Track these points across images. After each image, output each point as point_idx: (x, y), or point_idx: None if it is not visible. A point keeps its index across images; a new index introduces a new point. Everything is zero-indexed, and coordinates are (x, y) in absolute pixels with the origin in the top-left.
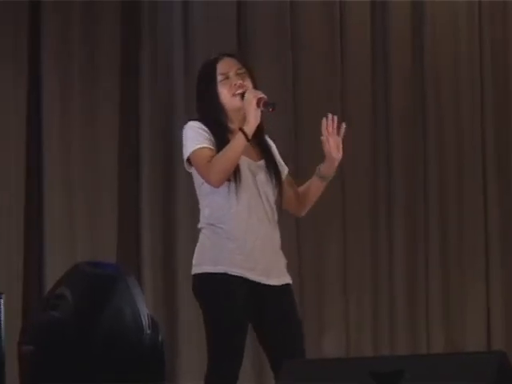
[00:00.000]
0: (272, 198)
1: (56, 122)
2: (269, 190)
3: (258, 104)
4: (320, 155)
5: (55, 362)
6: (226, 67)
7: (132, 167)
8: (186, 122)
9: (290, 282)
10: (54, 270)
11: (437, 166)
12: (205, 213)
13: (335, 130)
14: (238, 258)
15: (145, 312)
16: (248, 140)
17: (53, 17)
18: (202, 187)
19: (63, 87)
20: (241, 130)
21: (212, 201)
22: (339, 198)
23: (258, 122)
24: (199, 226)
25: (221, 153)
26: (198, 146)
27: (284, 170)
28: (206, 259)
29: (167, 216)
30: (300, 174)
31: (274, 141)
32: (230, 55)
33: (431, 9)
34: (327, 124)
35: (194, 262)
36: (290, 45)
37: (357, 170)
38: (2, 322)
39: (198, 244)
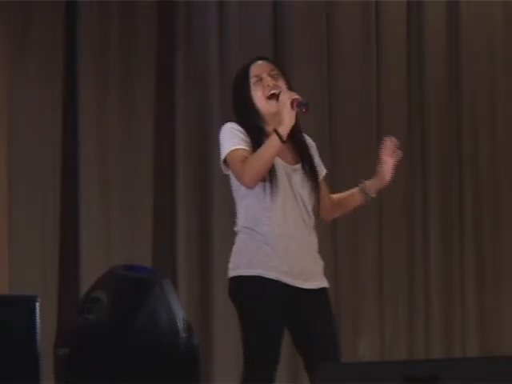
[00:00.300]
0: (308, 202)
1: (92, 124)
2: (305, 194)
3: (292, 105)
4: (354, 158)
5: (90, 364)
6: (258, 69)
7: (168, 169)
8: (221, 123)
9: (327, 285)
10: (90, 273)
11: (472, 167)
12: (241, 216)
13: (393, 153)
14: (273, 262)
15: (180, 315)
16: (282, 141)
17: (89, 17)
18: (238, 189)
19: (99, 87)
20: (275, 131)
21: (248, 204)
22: (376, 201)
23: (293, 123)
24: (235, 228)
25: (255, 153)
26: (234, 147)
27: (322, 171)
28: (241, 263)
29: (203, 218)
30: (334, 177)
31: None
32: (262, 58)
33: (466, 8)
34: (388, 145)
35: (230, 265)
36: (325, 45)
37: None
38: (38, 325)
39: (234, 247)
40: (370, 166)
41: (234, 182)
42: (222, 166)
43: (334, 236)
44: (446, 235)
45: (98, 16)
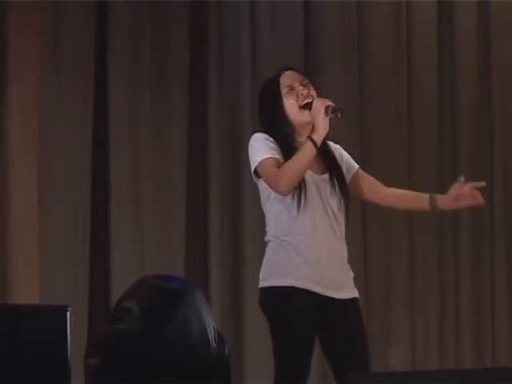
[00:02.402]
0: (337, 212)
1: (124, 134)
2: (334, 204)
3: (326, 112)
4: (386, 161)
5: (121, 375)
6: (289, 79)
7: (200, 179)
8: (252, 125)
9: (357, 295)
10: (121, 283)
11: (503, 174)
12: (271, 225)
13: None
14: (304, 271)
15: (211, 325)
16: (317, 148)
17: (121, 16)
18: (267, 199)
19: (131, 99)
20: (309, 138)
21: (277, 214)
22: (406, 211)
23: (327, 130)
24: (266, 238)
25: (290, 160)
26: (266, 156)
27: (354, 167)
28: (272, 273)
29: (235, 229)
30: None
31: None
32: (291, 69)
33: (497, 7)
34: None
35: (260, 275)
36: (356, 45)
37: (423, 174)
38: (69, 335)
39: (265, 257)
40: (401, 169)
41: (263, 191)
42: (253, 176)
43: (365, 246)
44: (477, 248)
45: (129, 15)
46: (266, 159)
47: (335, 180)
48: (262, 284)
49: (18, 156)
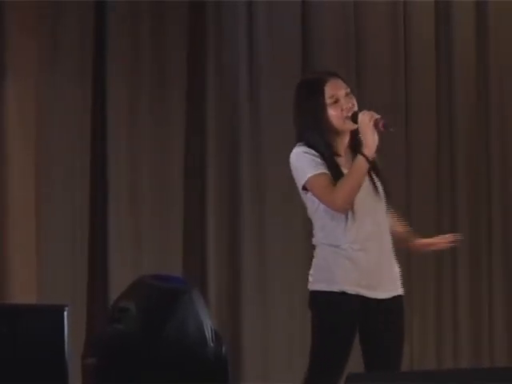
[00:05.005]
0: (383, 214)
1: (122, 134)
2: (380, 209)
3: (375, 125)
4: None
5: (118, 374)
6: (334, 89)
7: (198, 179)
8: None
9: (401, 293)
10: (119, 283)
11: (501, 175)
12: (318, 230)
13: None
14: (353, 276)
15: (209, 325)
16: (369, 163)
17: (119, 17)
18: (316, 211)
19: (129, 99)
20: (361, 153)
21: (326, 223)
22: (405, 214)
23: (377, 143)
24: (314, 242)
25: (345, 178)
26: (316, 172)
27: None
28: (321, 278)
29: (233, 229)
30: None
31: None
32: (335, 75)
33: (495, 9)
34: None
35: (310, 278)
36: (354, 45)
37: (421, 176)
38: (66, 335)
39: (314, 260)
40: (399, 169)
41: (311, 203)
42: (301, 191)
43: None
44: (474, 248)
45: (128, 16)
46: (316, 176)
47: (380, 188)
48: (311, 287)
49: (16, 156)
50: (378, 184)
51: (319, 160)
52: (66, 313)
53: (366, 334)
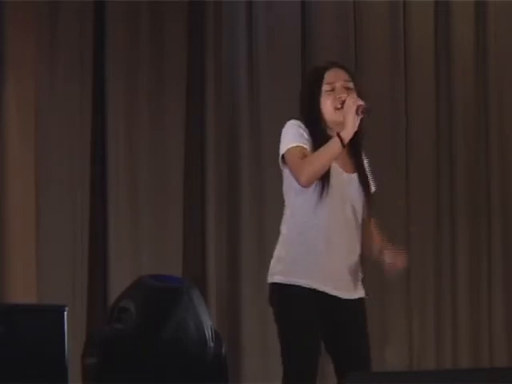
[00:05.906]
0: (360, 213)
1: (122, 132)
2: (357, 204)
3: (357, 111)
4: (380, 161)
5: (118, 374)
6: (333, 77)
7: (198, 179)
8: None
9: (364, 295)
10: (119, 283)
11: (500, 175)
12: (287, 218)
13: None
14: (314, 270)
15: (208, 325)
16: (343, 146)
17: (118, 16)
18: (290, 189)
19: (129, 98)
20: (338, 134)
21: (296, 205)
22: (404, 213)
23: (356, 128)
24: (281, 229)
25: (315, 153)
26: (294, 144)
27: (372, 188)
28: (280, 269)
29: (232, 228)
30: None
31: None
32: (339, 65)
33: (494, 9)
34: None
35: (270, 270)
36: (353, 44)
37: (420, 175)
38: (66, 335)
39: (276, 252)
40: (399, 168)
41: (286, 180)
42: (280, 162)
43: (361, 246)
44: (474, 248)
45: (127, 15)
46: (294, 147)
47: (362, 180)
48: (269, 279)
49: (16, 155)
50: (363, 182)
51: (306, 135)
52: (65, 313)
53: (329, 332)
